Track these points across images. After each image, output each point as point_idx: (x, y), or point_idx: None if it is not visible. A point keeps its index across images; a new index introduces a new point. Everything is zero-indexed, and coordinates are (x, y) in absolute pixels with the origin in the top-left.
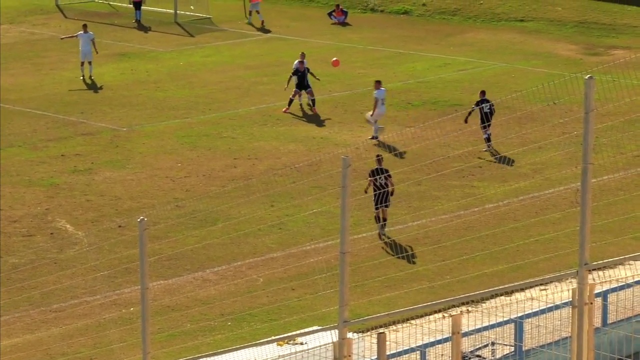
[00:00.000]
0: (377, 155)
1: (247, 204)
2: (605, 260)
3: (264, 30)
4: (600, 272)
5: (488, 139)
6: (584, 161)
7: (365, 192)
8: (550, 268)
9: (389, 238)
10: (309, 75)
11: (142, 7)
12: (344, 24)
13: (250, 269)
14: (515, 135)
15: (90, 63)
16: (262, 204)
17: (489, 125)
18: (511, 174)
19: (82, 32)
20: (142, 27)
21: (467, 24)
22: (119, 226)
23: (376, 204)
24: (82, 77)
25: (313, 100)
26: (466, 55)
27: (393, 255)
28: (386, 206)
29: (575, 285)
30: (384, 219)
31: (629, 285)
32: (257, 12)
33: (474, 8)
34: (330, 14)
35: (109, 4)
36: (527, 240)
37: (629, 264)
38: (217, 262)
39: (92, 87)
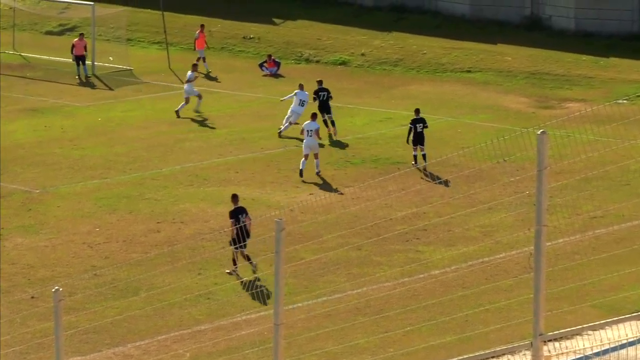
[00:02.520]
0: (233, 196)
1: (172, 271)
2: (561, 331)
3: (210, 78)
4: (557, 343)
5: (423, 157)
6: (538, 223)
7: (233, 241)
8: (502, 339)
9: (255, 272)
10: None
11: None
12: (276, 75)
13: (175, 343)
14: (462, 195)
15: None
16: (188, 272)
17: (422, 145)
18: (459, 238)
19: None
20: (87, 84)
21: (410, 75)
22: (32, 297)
23: (239, 243)
24: None
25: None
26: (409, 109)
27: (332, 327)
28: (243, 246)
29: (529, 357)
30: (248, 258)
31: (587, 358)
32: (203, 59)
33: (417, 58)
34: (261, 65)
35: (20, 54)
36: (477, 310)
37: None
38: (140, 335)
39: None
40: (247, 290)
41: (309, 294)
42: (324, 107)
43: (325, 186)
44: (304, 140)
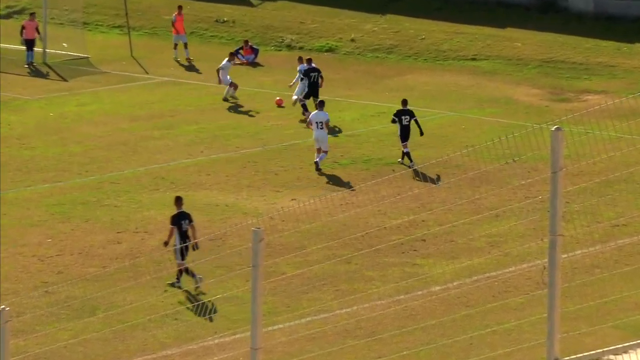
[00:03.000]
0: (177, 198)
1: (135, 288)
2: (579, 355)
3: (191, 69)
4: None
5: (407, 155)
6: (552, 232)
7: (166, 244)
8: None
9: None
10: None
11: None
12: (254, 64)
13: None
14: (466, 200)
15: None
16: (153, 289)
17: (406, 140)
18: (462, 249)
19: None
20: (38, 74)
21: (407, 63)
22: None
23: (182, 256)
24: None
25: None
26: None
27: (317, 352)
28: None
29: None
30: (185, 270)
31: None
32: (184, 45)
33: (414, 44)
34: (236, 52)
35: None
36: (483, 331)
37: (608, 359)
38: None
39: None
40: (217, 311)
41: (291, 313)
42: (313, 90)
43: (310, 190)
44: (314, 133)
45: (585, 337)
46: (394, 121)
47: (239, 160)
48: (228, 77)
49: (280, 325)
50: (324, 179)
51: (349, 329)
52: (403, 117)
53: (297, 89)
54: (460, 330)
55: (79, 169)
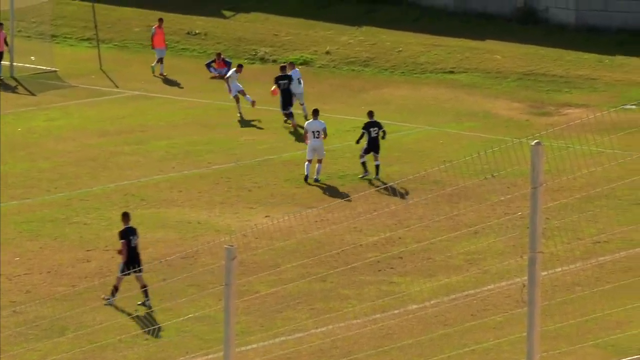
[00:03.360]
0: (124, 214)
1: (104, 308)
2: None
3: (164, 82)
4: None
5: (376, 168)
6: (532, 249)
7: (120, 252)
8: None
9: (150, 308)
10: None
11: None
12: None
13: None
14: (444, 217)
15: None
16: (123, 308)
17: (376, 153)
18: (440, 267)
19: None
20: (5, 87)
21: (383, 76)
22: None
23: (128, 269)
24: None
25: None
26: (382, 116)
27: None
28: (139, 271)
29: None
30: (143, 286)
31: None
32: (160, 60)
33: (391, 57)
34: (209, 65)
35: None
36: (461, 351)
37: None
38: None
39: None
40: (189, 330)
41: (265, 333)
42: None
43: (284, 207)
44: (310, 143)
45: (566, 356)
46: (362, 134)
47: (211, 176)
48: (237, 83)
49: (254, 345)
50: (298, 196)
51: (324, 349)
52: (372, 129)
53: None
54: (438, 349)
55: (48, 185)
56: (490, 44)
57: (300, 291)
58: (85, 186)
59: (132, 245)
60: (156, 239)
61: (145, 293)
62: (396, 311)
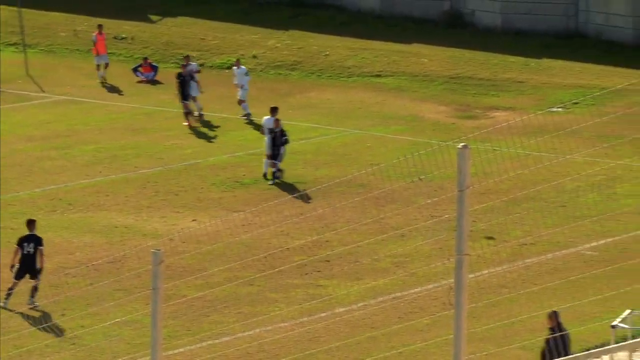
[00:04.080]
0: (29, 221)
1: (31, 312)
2: None
3: (90, 87)
4: None
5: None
6: (458, 252)
7: (12, 267)
8: None
9: (35, 307)
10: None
11: None
12: (153, 81)
13: None
14: (371, 220)
15: None
16: (49, 313)
17: (277, 154)
18: (367, 270)
19: None
20: None
21: (310, 80)
22: None
23: (20, 275)
24: None
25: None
26: (309, 120)
27: None
28: (34, 277)
29: None
30: (35, 288)
31: None
32: (105, 65)
33: (317, 61)
34: (135, 70)
35: None
36: (389, 353)
37: None
38: None
39: None
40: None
41: (192, 337)
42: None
43: (211, 211)
44: (266, 139)
45: (492, 358)
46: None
47: (138, 180)
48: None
49: (181, 349)
50: (225, 199)
51: (251, 352)
52: (277, 130)
53: (241, 92)
54: (365, 352)
55: None
56: (416, 48)
57: (227, 295)
58: (11, 191)
59: (25, 252)
60: (83, 244)
61: (33, 292)
62: (323, 314)
